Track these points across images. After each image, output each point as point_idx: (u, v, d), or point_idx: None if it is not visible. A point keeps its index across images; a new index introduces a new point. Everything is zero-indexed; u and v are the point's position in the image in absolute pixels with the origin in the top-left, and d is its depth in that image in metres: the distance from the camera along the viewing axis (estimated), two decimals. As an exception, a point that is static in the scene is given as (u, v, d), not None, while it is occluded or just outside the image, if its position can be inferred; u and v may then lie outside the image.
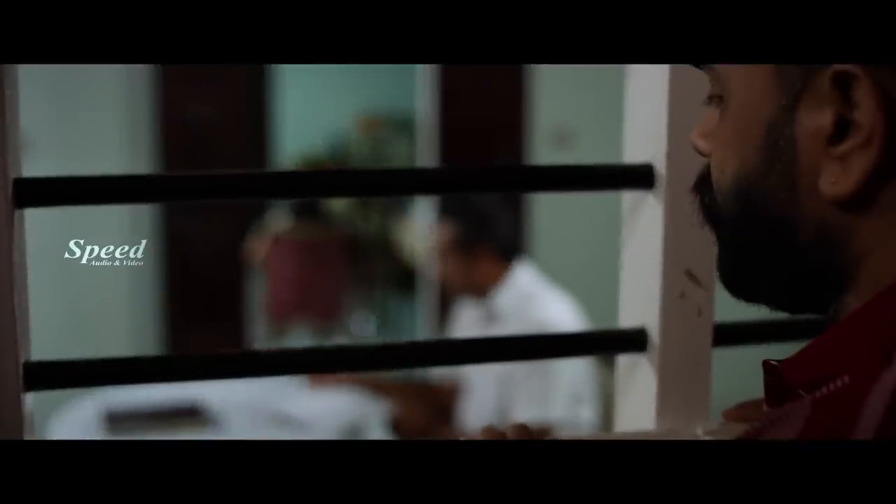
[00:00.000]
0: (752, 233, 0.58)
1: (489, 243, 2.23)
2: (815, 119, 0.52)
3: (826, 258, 0.54)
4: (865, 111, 0.50)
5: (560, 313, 2.20)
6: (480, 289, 2.26)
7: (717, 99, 0.60)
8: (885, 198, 0.52)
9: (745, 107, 0.56)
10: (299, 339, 4.55)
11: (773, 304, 0.60)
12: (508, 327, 2.19)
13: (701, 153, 0.63)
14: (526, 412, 2.14)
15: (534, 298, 2.22)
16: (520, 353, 0.92)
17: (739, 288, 0.61)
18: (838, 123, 0.51)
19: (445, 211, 2.30)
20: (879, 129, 0.50)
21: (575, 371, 2.18)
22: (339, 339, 4.56)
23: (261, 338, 4.03)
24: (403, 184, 0.79)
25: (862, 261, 0.53)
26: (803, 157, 0.53)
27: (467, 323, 2.34)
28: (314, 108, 8.72)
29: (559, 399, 2.15)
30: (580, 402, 2.20)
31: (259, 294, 4.05)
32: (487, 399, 2.25)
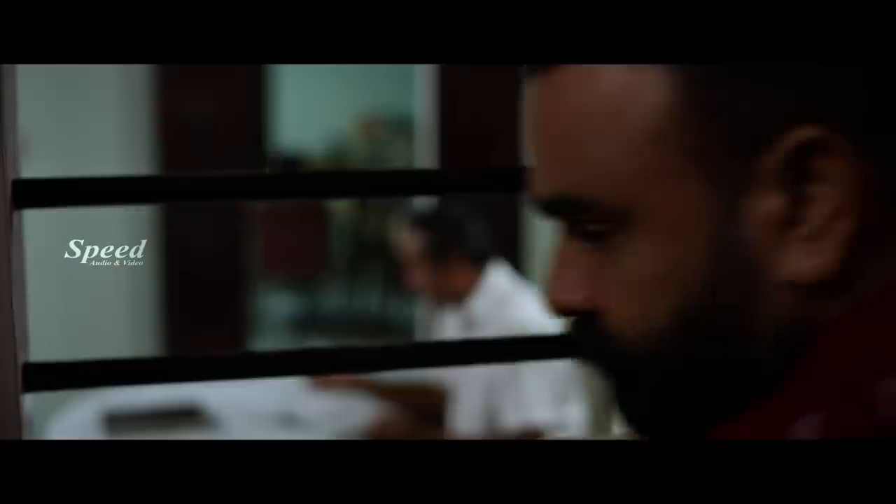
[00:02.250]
0: (694, 366, 0.49)
1: (460, 252, 2.23)
2: (770, 204, 0.45)
3: (784, 363, 0.47)
4: (833, 179, 0.45)
5: (537, 314, 2.20)
6: (456, 297, 2.26)
7: (590, 236, 0.49)
8: (861, 273, 0.46)
9: (673, 226, 0.46)
10: (282, 294, 5.51)
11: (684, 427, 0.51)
12: (487, 332, 2.19)
13: (576, 311, 0.51)
14: (513, 416, 2.14)
15: (510, 301, 2.23)
16: (518, 355, 0.92)
17: (657, 424, 0.53)
18: (797, 202, 0.45)
19: (415, 221, 2.30)
20: (850, 195, 0.45)
21: (557, 371, 2.18)
22: (318, 296, 5.56)
23: (260, 293, 4.65)
24: (403, 184, 0.79)
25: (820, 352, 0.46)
26: (760, 254, 0.46)
27: (449, 331, 2.35)
28: (313, 109, 8.74)
29: (545, 400, 2.15)
30: (567, 401, 2.21)
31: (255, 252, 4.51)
32: (475, 404, 2.25)
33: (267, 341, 4.78)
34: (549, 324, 2.18)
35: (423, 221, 2.27)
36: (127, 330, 3.70)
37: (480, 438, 2.25)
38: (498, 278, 2.27)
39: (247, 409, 2.39)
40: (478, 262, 2.25)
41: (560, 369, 2.19)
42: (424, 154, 3.93)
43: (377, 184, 0.76)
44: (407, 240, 2.28)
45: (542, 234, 3.90)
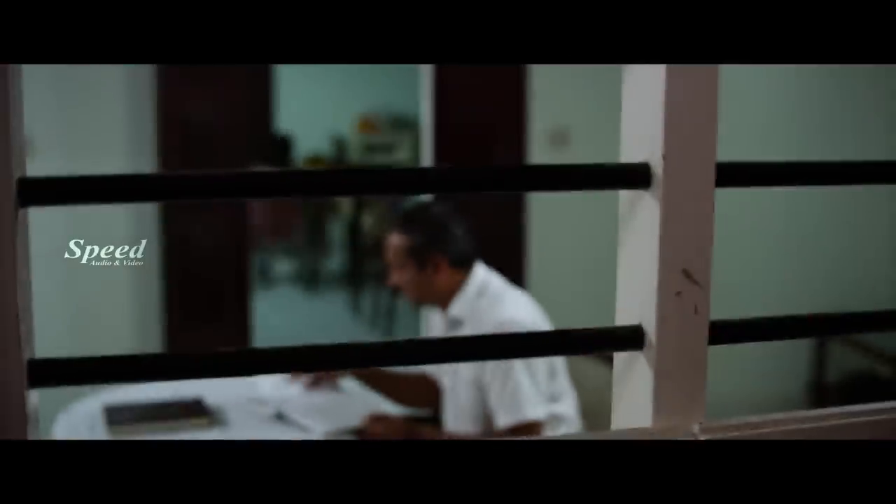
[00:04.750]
0: None
1: (442, 254, 2.23)
2: None
3: None
4: None
5: (520, 313, 2.21)
6: (439, 298, 2.27)
7: None
8: None
9: None
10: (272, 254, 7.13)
11: None
12: (469, 331, 2.21)
13: None
14: (505, 415, 2.15)
15: (492, 301, 2.23)
16: (515, 352, 0.92)
17: None
18: None
19: (399, 220, 2.30)
20: None
21: (547, 368, 2.19)
22: (298, 255, 7.18)
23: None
24: (403, 184, 0.80)
25: None
26: None
27: (435, 331, 2.37)
28: (315, 108, 8.75)
29: (536, 397, 2.15)
30: (556, 400, 2.22)
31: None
32: (464, 403, 2.26)
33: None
34: (530, 322, 2.20)
35: (407, 221, 2.28)
36: (131, 328, 3.71)
37: (474, 438, 2.26)
38: (481, 279, 2.28)
39: (248, 406, 2.40)
40: (461, 264, 2.26)
41: (549, 366, 2.20)
42: (424, 153, 3.93)
43: (378, 183, 0.77)
44: (391, 239, 2.28)
45: (542, 233, 3.90)
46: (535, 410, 2.15)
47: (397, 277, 2.27)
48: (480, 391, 2.21)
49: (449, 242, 2.25)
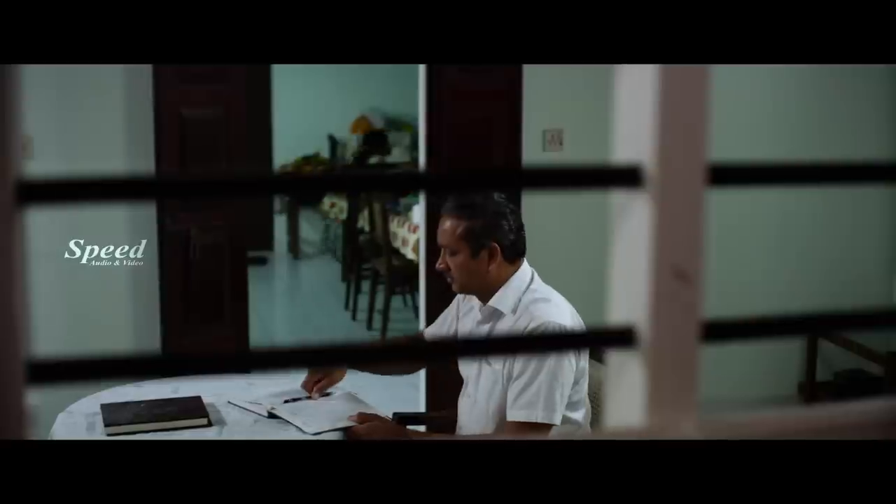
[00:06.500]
0: None
1: (495, 243, 2.23)
2: None
3: None
4: None
5: (560, 314, 2.21)
6: (485, 287, 2.26)
7: None
8: None
9: None
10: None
11: None
12: (508, 325, 2.20)
13: None
14: (519, 411, 2.15)
15: (537, 300, 2.23)
16: (514, 349, 0.93)
17: None
18: None
19: (460, 205, 2.27)
20: None
21: (570, 380, 2.19)
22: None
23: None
24: (401, 184, 0.81)
25: None
26: None
27: (472, 316, 2.36)
28: (310, 108, 8.74)
29: (550, 403, 2.15)
30: (573, 408, 2.21)
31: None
32: (488, 391, 2.27)
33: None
34: (568, 325, 2.19)
35: (467, 206, 2.25)
36: (130, 329, 3.72)
37: (470, 438, 2.26)
38: (528, 276, 2.28)
39: (244, 405, 2.41)
40: (513, 257, 2.26)
41: (567, 381, 2.19)
42: (422, 153, 3.93)
43: (376, 183, 0.78)
44: (446, 222, 2.26)
45: (536, 233, 3.91)
46: (550, 414, 2.15)
47: (448, 261, 2.26)
48: (508, 381, 2.22)
49: (507, 233, 2.25)
